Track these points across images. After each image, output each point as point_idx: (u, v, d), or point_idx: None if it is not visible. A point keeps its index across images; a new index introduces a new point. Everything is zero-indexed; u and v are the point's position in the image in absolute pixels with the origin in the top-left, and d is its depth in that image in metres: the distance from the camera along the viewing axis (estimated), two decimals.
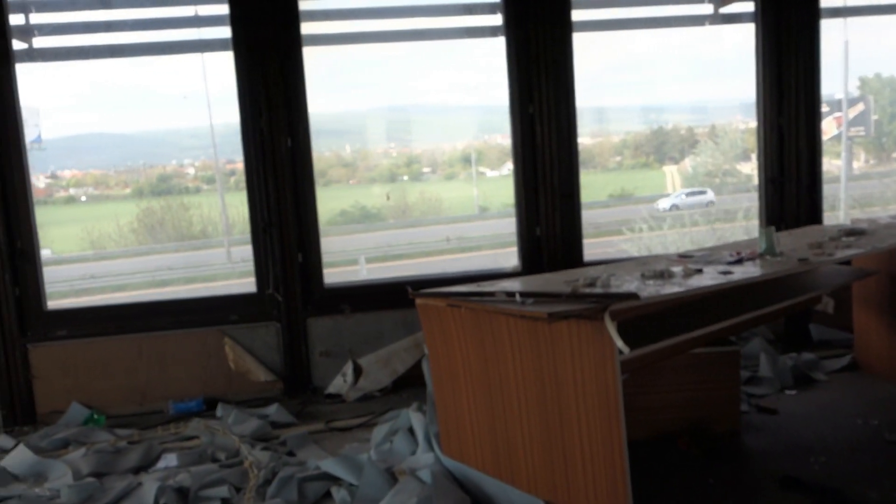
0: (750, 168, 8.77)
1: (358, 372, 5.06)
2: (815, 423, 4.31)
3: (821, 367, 5.14)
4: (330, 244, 5.39)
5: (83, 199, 7.41)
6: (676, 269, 3.54)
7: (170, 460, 4.06)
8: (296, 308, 5.06)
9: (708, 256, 3.90)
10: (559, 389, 2.96)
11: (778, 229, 5.46)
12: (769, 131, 5.54)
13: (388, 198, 7.11)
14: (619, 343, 2.70)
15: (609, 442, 2.85)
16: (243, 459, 3.95)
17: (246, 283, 5.21)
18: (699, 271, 3.52)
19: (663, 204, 9.19)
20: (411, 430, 4.03)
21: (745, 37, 5.79)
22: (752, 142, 8.49)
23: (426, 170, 7.91)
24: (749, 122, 8.74)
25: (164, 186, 7.58)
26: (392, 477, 3.51)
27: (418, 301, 3.39)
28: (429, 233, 8.42)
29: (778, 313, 4.22)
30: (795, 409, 4.53)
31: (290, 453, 4.13)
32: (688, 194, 9.11)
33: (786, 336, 5.71)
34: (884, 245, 3.85)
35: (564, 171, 5.21)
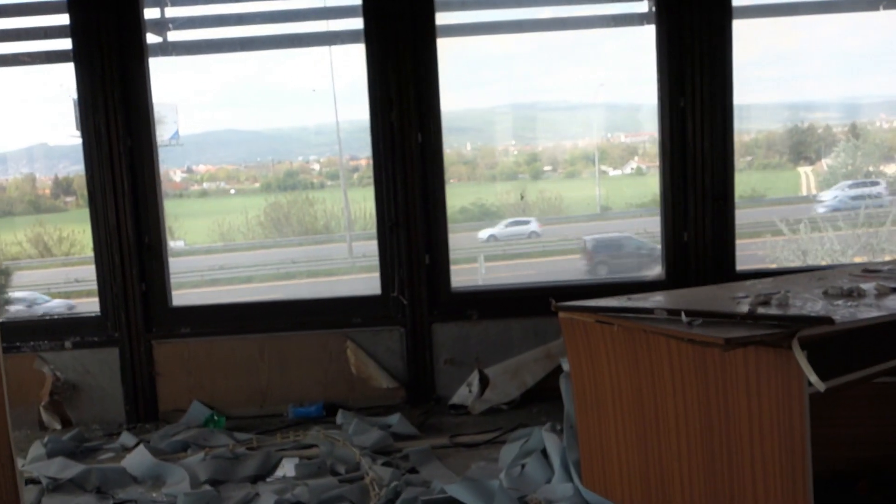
0: (894, 169, 8.05)
1: (484, 382, 4.74)
2: None
3: None
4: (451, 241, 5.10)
5: (216, 191, 7.59)
6: (866, 286, 3.02)
7: (288, 469, 3.87)
8: (421, 312, 4.79)
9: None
10: (730, 426, 2.53)
11: None
12: None
13: (521, 197, 6.78)
14: (813, 377, 2.25)
15: (791, 490, 2.40)
16: (364, 475, 3.71)
17: (367, 280, 4.99)
18: (895, 290, 2.99)
19: (826, 197, 8.31)
20: (545, 453, 3.67)
21: None
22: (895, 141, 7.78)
23: (547, 168, 7.69)
24: (893, 120, 7.96)
25: (291, 182, 7.68)
26: None
27: (562, 314, 3.03)
28: (550, 231, 8.13)
29: None
30: None
31: (413, 470, 3.85)
32: (852, 185, 8.19)
33: None
34: None
35: (718, 171, 4.70)
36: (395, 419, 4.42)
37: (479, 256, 7.69)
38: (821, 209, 8.26)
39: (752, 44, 5.26)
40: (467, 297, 4.87)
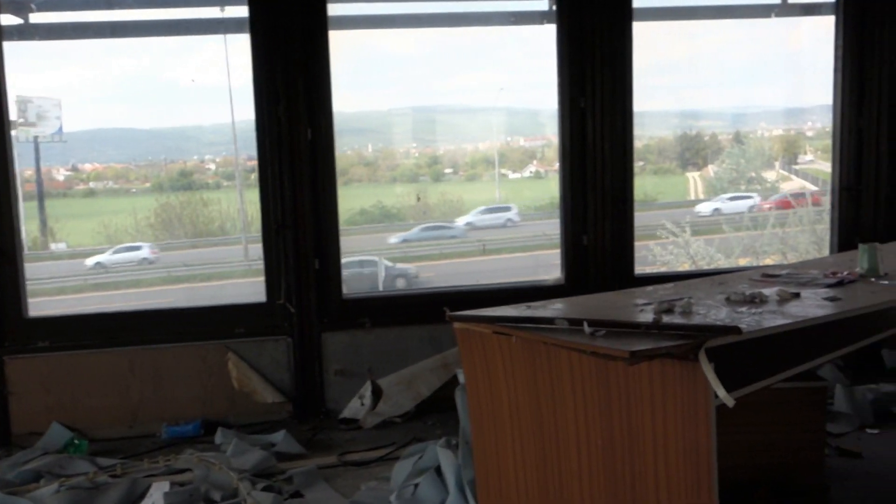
0: (774, 175, 8.40)
1: (377, 394, 4.47)
2: None
3: None
4: (348, 244, 4.83)
5: (104, 191, 7.18)
6: (768, 291, 2.93)
7: (157, 498, 3.49)
8: (310, 321, 4.48)
9: (798, 276, 3.29)
10: (633, 444, 2.35)
11: (855, 244, 4.84)
12: (847, 133, 4.91)
13: (418, 199, 6.57)
14: (721, 392, 2.10)
15: None
16: (241, 501, 3.37)
17: (259, 285, 4.64)
18: (796, 296, 2.91)
19: (704, 208, 8.63)
20: (439, 471, 3.43)
21: (801, 34, 5.24)
22: (777, 149, 8.09)
23: (448, 171, 7.62)
24: (772, 129, 8.30)
25: (184, 182, 7.28)
26: None
27: (457, 325, 2.80)
28: (451, 233, 8.04)
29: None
30: (883, 453, 3.90)
31: (297, 494, 3.54)
32: (731, 198, 8.52)
33: (856, 362, 5.07)
34: None
35: (618, 173, 4.60)
36: (279, 437, 4.09)
37: (378, 259, 7.49)
38: (704, 213, 8.57)
39: (649, 51, 5.25)
40: (360, 304, 4.59)
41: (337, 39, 4.48)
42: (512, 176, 7.82)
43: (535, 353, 2.56)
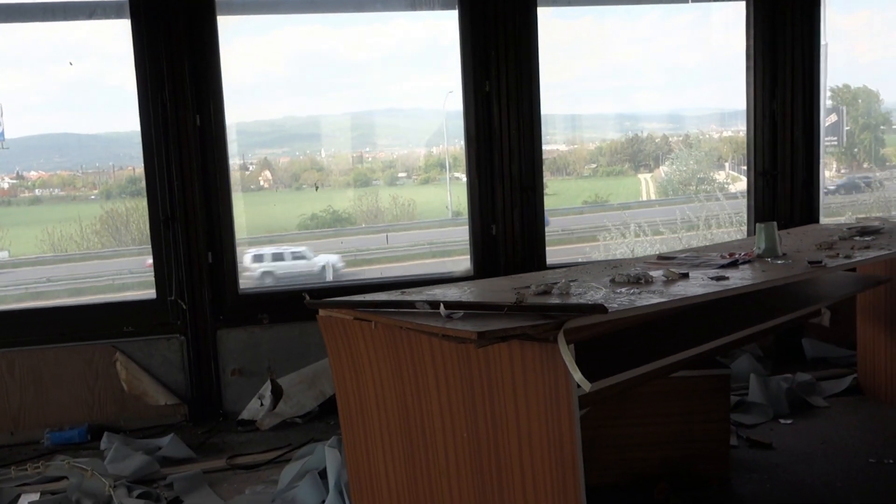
0: (723, 176, 8.48)
1: (277, 394, 4.25)
2: (819, 462, 3.57)
3: (819, 391, 4.42)
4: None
5: (49, 199, 6.96)
6: (656, 273, 2.79)
7: None
8: (204, 318, 4.24)
9: (694, 258, 3.16)
10: (497, 436, 2.18)
11: None
12: (760, 118, 4.83)
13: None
14: (577, 375, 1.93)
15: (563, 503, 2.08)
16: None
17: None
18: (685, 276, 2.77)
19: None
20: (324, 473, 3.23)
21: (731, 19, 5.14)
22: (726, 151, 8.14)
23: (402, 174, 7.50)
24: (723, 131, 8.36)
25: (134, 188, 7.04)
26: None
27: (320, 313, 2.61)
28: (402, 237, 7.96)
29: (770, 329, 3.48)
30: (794, 444, 3.80)
31: (177, 500, 3.31)
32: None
33: (776, 353, 4.99)
34: None
35: (526, 161, 4.45)
36: (166, 441, 3.85)
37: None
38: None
39: (572, 34, 5.16)
40: (258, 300, 4.37)
41: (279, 40, 4.28)
42: (465, 178, 7.81)
43: (397, 341, 2.38)
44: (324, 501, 3.01)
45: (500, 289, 2.76)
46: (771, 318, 3.02)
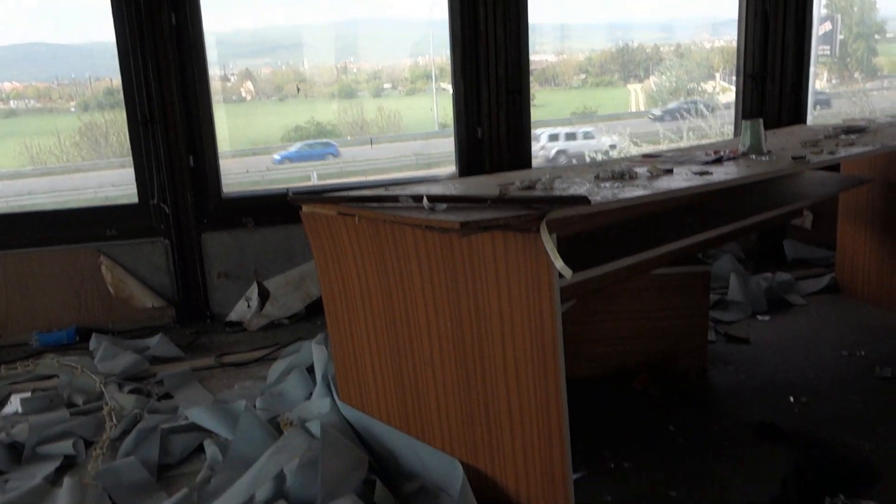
0: (714, 86, 8.41)
1: (264, 296, 4.29)
2: (793, 355, 3.68)
3: (798, 290, 4.51)
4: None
5: (25, 111, 6.80)
6: (640, 169, 2.79)
7: (16, 405, 3.29)
8: (187, 221, 4.23)
9: (679, 157, 3.16)
10: (481, 326, 2.23)
11: None
12: (752, 18, 4.74)
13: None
14: (559, 263, 1.95)
15: (544, 390, 2.14)
16: (104, 405, 3.19)
17: None
18: (669, 172, 2.78)
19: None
20: (312, 369, 3.30)
21: None
22: (717, 61, 8.04)
23: (387, 86, 7.38)
24: (715, 40, 8.21)
25: (112, 100, 6.89)
26: (277, 429, 2.79)
27: (303, 209, 2.61)
28: (388, 149, 7.88)
29: (752, 228, 3.52)
30: (770, 339, 3.90)
31: (167, 395, 3.38)
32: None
33: (758, 254, 5.06)
34: (893, 144, 3.13)
35: (512, 62, 4.37)
36: (154, 341, 3.90)
37: (311, 173, 7.30)
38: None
39: None
40: (241, 203, 4.35)
41: None
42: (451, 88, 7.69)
43: (381, 235, 2.39)
44: (311, 394, 3.07)
45: (483, 185, 2.76)
46: (752, 215, 3.05)
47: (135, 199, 4.21)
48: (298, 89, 6.20)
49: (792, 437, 2.91)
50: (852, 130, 3.53)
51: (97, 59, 6.86)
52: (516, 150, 4.48)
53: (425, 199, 2.19)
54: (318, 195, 2.56)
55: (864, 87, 8.32)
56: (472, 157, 4.47)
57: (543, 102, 8.42)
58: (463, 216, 2.04)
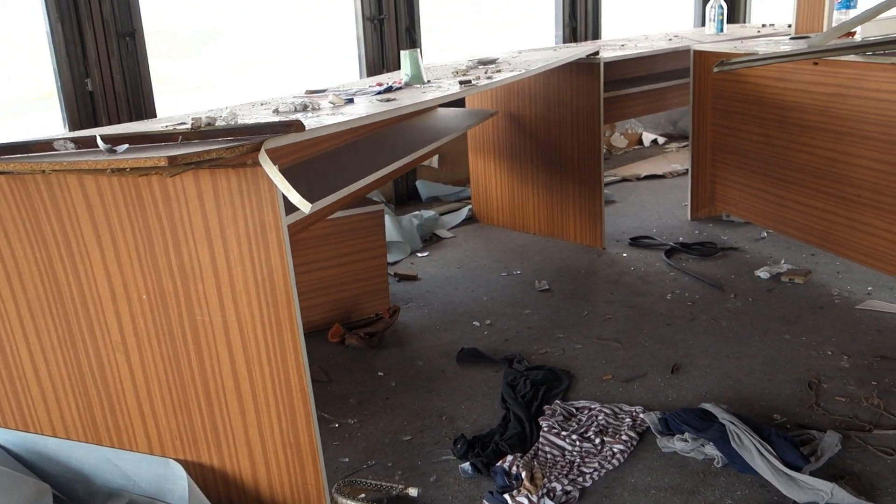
0: None
1: None
2: (462, 283, 3.81)
3: (443, 224, 4.70)
4: None
5: None
6: (322, 102, 2.55)
7: None
8: None
9: (343, 91, 2.97)
10: (189, 287, 1.81)
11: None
12: None
13: None
14: (295, 195, 1.64)
15: (280, 355, 1.84)
16: None
17: None
18: (350, 101, 2.58)
19: None
20: None
21: None
22: None
23: None
24: None
25: None
26: None
27: None
28: None
29: (394, 173, 3.48)
30: (436, 273, 3.99)
31: None
32: None
33: (396, 198, 5.17)
34: (535, 68, 3.32)
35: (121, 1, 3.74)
36: None
37: None
38: None
39: None
40: None
41: None
42: None
43: (32, 195, 1.81)
44: None
45: (138, 128, 2.27)
46: (411, 152, 2.99)
47: None
48: None
49: (492, 357, 2.98)
50: (487, 63, 3.69)
51: None
52: (138, 104, 3.89)
53: (100, 140, 1.70)
54: None
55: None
56: (83, 113, 3.77)
57: None
58: (162, 152, 1.61)
